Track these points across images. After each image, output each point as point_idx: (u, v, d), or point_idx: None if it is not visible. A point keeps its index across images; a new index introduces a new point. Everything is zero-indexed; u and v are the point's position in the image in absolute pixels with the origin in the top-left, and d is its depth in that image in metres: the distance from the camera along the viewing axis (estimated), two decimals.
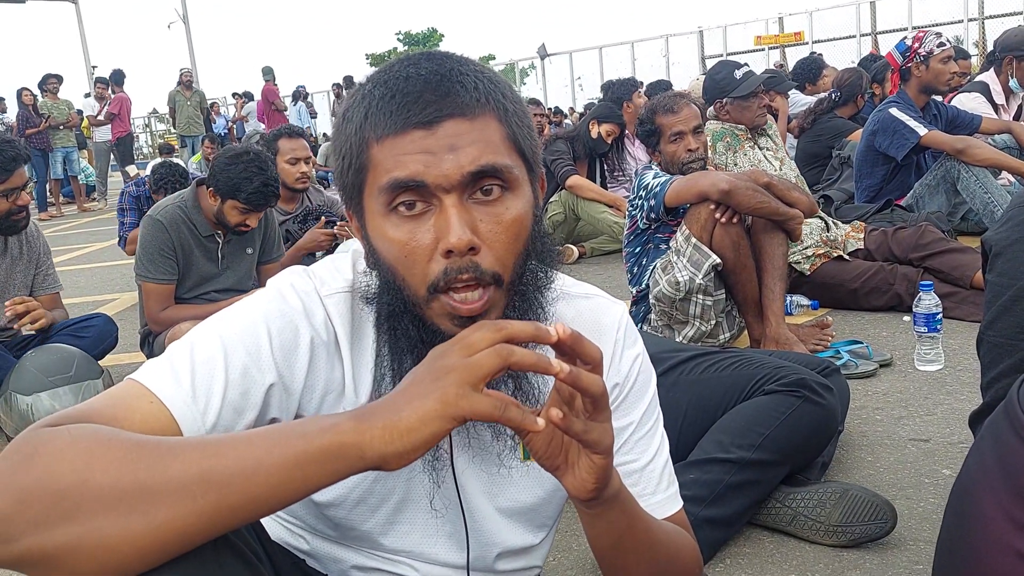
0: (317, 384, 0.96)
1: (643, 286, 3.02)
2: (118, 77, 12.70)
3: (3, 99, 14.89)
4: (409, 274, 0.89)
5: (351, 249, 1.05)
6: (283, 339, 0.93)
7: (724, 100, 3.52)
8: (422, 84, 0.87)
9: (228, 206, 3.06)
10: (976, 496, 0.90)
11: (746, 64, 3.63)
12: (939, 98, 4.44)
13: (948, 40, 4.24)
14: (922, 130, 4.08)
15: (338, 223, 4.20)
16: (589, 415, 0.82)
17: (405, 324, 0.92)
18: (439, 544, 1.07)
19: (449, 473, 1.04)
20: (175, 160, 5.73)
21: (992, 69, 4.82)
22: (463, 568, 1.09)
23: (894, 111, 4.13)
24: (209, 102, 17.33)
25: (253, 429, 0.80)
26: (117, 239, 5.05)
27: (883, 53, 12.13)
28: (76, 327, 3.08)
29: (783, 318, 2.93)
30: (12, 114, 13.29)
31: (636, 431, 1.09)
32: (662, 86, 7.39)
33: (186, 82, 13.33)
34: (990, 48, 5.11)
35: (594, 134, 5.58)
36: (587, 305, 1.08)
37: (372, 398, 0.98)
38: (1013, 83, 4.68)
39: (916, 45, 4.13)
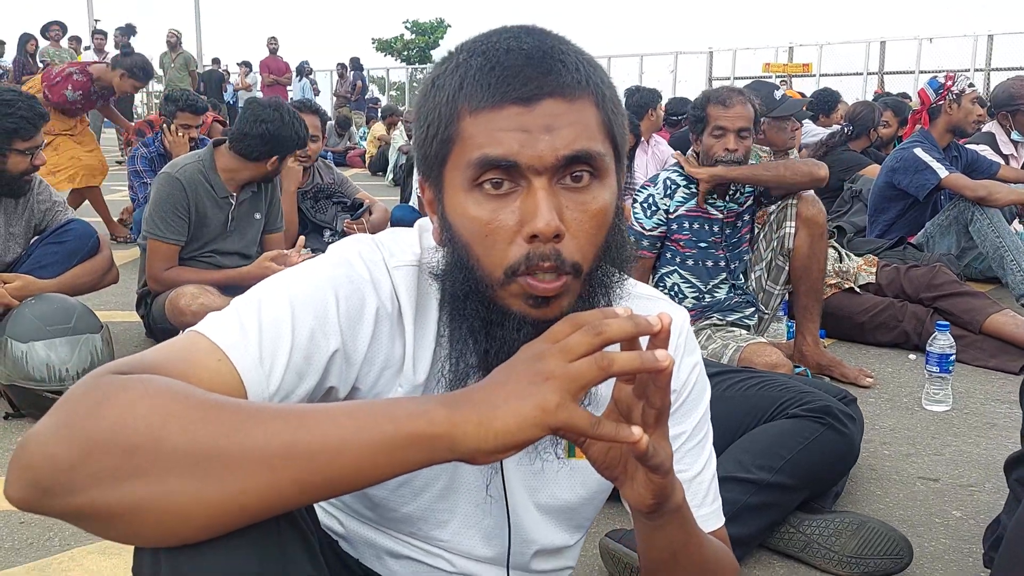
0: (377, 357, 0.92)
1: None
2: (129, 31, 12.46)
3: (3, 43, 14.61)
4: (486, 255, 0.85)
5: (416, 223, 1.01)
6: (350, 305, 0.88)
7: (764, 119, 3.48)
8: (523, 59, 0.83)
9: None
10: None
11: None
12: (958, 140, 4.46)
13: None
14: (943, 172, 4.09)
15: (346, 222, 4.16)
16: (650, 427, 0.78)
17: (473, 305, 0.88)
18: (477, 536, 1.03)
19: (497, 466, 1.00)
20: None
21: (996, 120, 4.85)
22: (498, 564, 1.05)
23: (918, 151, 4.13)
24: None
25: (336, 404, 0.75)
26: (131, 199, 5.13)
27: (887, 92, 12.15)
28: (56, 234, 2.98)
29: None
30: (9, 58, 12.98)
31: (688, 441, 1.07)
32: (685, 103, 7.38)
33: (172, 43, 12.77)
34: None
35: None
36: (650, 307, 1.04)
37: (430, 378, 0.94)
38: (1015, 135, 4.72)
39: (950, 83, 4.14)
